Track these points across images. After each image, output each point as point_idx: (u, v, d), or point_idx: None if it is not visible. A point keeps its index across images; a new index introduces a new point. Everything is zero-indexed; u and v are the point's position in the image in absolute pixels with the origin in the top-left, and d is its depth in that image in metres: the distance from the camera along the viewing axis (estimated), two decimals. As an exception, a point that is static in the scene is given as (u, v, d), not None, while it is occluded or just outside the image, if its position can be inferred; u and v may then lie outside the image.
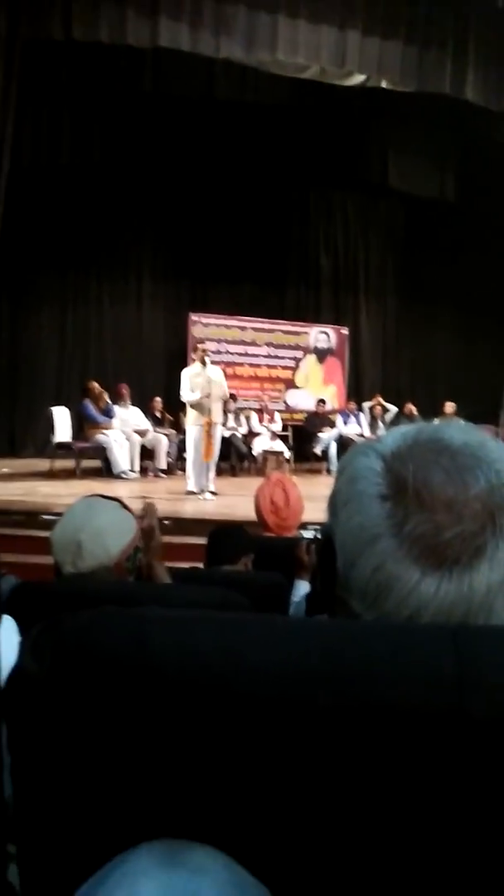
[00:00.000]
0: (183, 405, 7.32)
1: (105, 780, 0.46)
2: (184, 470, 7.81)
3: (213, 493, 6.73)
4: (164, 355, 10.64)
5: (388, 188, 10.31)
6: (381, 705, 0.44)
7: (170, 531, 5.07)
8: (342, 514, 0.60)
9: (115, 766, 0.46)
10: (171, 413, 9.75)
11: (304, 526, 3.03)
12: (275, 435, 9.39)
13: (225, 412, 8.60)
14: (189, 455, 6.92)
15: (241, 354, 10.60)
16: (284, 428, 10.07)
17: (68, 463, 7.92)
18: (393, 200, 10.97)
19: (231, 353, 10.51)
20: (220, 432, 7.07)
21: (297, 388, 10.89)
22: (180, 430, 9.13)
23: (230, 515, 5.44)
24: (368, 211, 11.25)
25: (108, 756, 0.46)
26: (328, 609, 0.60)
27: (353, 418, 9.86)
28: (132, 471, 8.10)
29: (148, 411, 9.07)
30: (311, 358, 11.02)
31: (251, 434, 9.51)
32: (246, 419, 9.68)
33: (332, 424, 9.84)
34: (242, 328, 10.57)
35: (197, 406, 6.77)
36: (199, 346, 7.15)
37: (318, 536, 2.69)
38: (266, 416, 9.65)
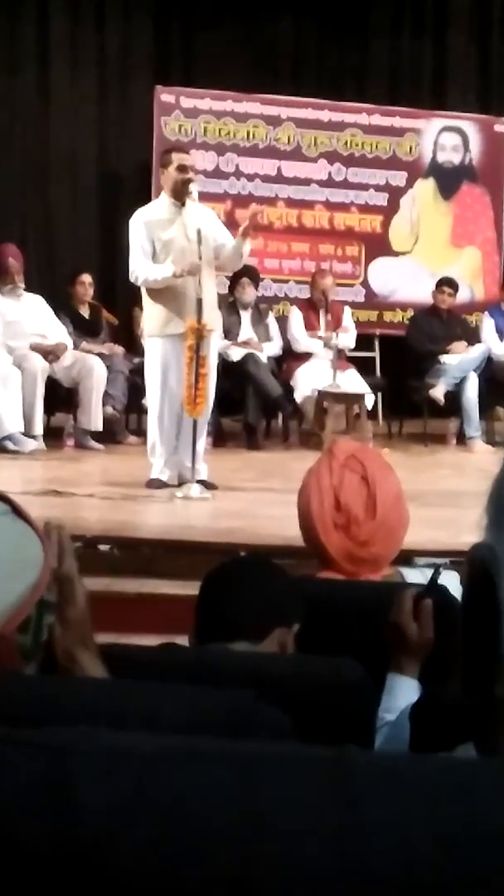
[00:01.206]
0: (137, 294, 7.31)
1: None
2: (141, 435, 7.84)
3: (205, 484, 6.81)
4: (95, 183, 10.92)
5: None
6: None
7: (117, 569, 5.18)
8: None
9: None
10: (115, 310, 9.86)
11: (406, 557, 3.07)
12: (343, 358, 9.43)
13: (231, 307, 8.62)
14: (152, 404, 6.99)
15: (267, 180, 10.68)
16: (363, 343, 10.13)
17: None
18: None
19: (245, 178, 10.60)
20: (216, 349, 7.09)
21: (391, 253, 10.93)
22: (134, 347, 9.30)
23: (248, 537, 5.50)
24: None
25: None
26: (476, 733, 0.65)
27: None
28: (29, 435, 8.24)
29: (66, 305, 9.27)
30: (426, 187, 11.05)
31: (290, 357, 9.62)
32: (279, 325, 9.77)
33: (472, 336, 9.89)
34: (270, 119, 10.64)
35: (166, 296, 6.80)
36: (174, 157, 7.12)
37: (438, 577, 2.72)
38: (323, 317, 9.68)
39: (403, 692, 2.35)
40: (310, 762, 0.58)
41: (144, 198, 9.55)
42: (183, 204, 6.76)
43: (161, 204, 6.95)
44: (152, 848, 0.58)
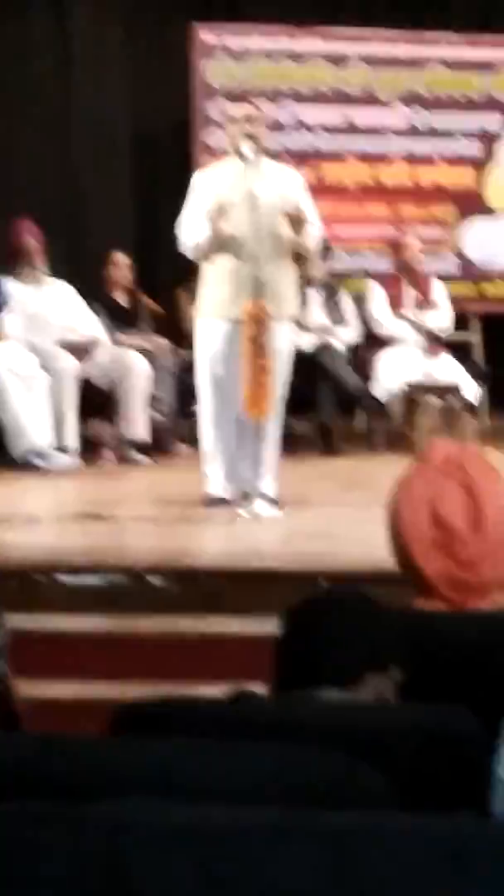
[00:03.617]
0: (185, 274, 7.27)
1: None
2: (195, 444, 7.83)
3: (273, 501, 6.80)
4: (127, 146, 10.94)
5: None
6: None
7: (173, 606, 5.19)
8: None
9: None
10: (157, 296, 9.89)
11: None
12: (436, 342, 9.39)
13: (304, 285, 8.58)
14: (205, 404, 7.00)
15: (334, 131, 10.68)
16: (460, 322, 10.11)
17: None
18: None
19: (307, 130, 10.60)
20: (288, 342, 7.09)
21: (488, 213, 10.89)
22: (181, 340, 9.28)
23: (329, 562, 5.49)
24: None
25: None
26: None
27: None
28: (60, 449, 8.30)
29: (98, 291, 9.31)
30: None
31: (371, 343, 9.60)
32: (355, 305, 9.76)
33: None
34: (334, 58, 10.62)
35: (221, 272, 6.81)
36: (229, 108, 7.13)
37: None
38: (411, 294, 9.66)
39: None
40: (417, 836, 0.58)
41: (184, 161, 9.60)
42: (243, 158, 6.74)
43: (226, 165, 6.96)
44: None
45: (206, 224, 6.67)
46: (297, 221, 6.66)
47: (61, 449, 8.26)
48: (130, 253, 9.61)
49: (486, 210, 10.84)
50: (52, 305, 8.71)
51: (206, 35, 10.35)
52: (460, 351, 9.76)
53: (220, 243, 6.67)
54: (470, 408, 9.19)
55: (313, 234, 6.87)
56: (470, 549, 2.78)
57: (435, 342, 9.28)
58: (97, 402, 8.71)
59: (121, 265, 9.43)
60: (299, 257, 7.33)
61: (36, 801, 1.20)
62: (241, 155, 6.76)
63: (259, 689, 2.49)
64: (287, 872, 0.55)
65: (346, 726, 1.91)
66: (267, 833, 0.58)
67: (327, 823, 0.62)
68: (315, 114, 10.55)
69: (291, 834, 0.58)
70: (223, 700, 2.19)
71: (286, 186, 6.84)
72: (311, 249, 6.94)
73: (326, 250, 9.48)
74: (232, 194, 6.72)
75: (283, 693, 2.34)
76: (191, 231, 6.80)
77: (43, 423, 8.20)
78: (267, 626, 2.70)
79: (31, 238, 8.81)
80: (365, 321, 9.59)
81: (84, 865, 0.60)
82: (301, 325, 8.90)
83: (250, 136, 6.78)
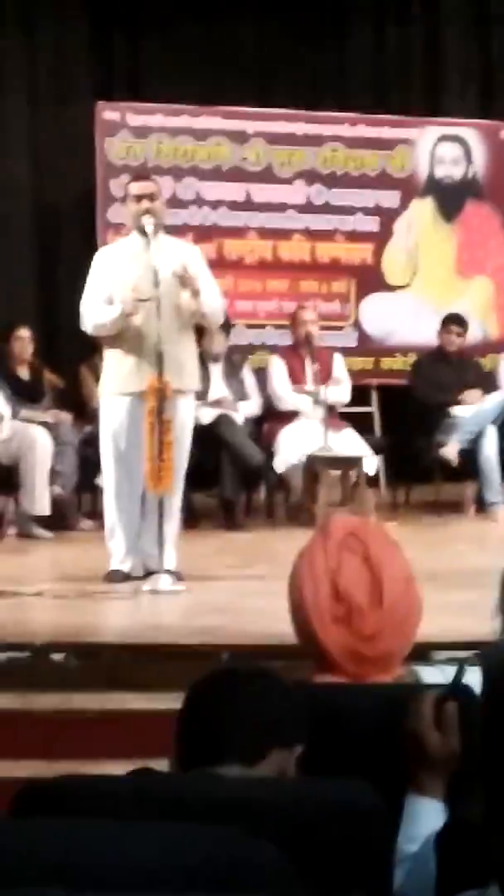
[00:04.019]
0: (88, 349, 7.28)
1: None
2: (97, 519, 7.81)
3: (175, 575, 6.78)
4: (30, 220, 10.97)
5: None
6: None
7: (74, 682, 5.14)
8: None
9: None
10: (58, 370, 9.87)
11: (422, 653, 3.06)
12: (335, 415, 9.46)
13: (203, 360, 8.63)
14: (108, 479, 6.98)
15: (234, 207, 10.74)
16: (359, 396, 10.18)
17: None
18: None
19: (207, 206, 10.65)
20: (189, 416, 7.10)
21: (386, 288, 11.01)
22: (83, 414, 9.28)
23: (231, 636, 5.47)
24: None
25: None
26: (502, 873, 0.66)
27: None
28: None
29: (0, 367, 9.36)
30: (423, 208, 11.15)
31: (271, 417, 9.64)
32: (256, 377, 9.81)
33: (487, 382, 9.94)
34: (235, 136, 10.72)
35: (125, 347, 6.81)
36: (131, 186, 7.17)
37: (463, 676, 2.70)
38: (310, 367, 9.72)
39: (426, 817, 2.35)
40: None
41: (88, 235, 9.64)
42: (146, 235, 6.78)
43: (128, 241, 6.99)
44: None
45: (113, 311, 6.70)
46: (187, 283, 6.69)
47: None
48: (32, 327, 9.57)
49: (384, 286, 10.96)
50: None
51: (110, 113, 10.41)
52: (360, 423, 9.82)
53: (134, 334, 6.71)
54: (369, 480, 9.24)
55: (211, 303, 6.90)
56: (370, 622, 2.78)
57: (334, 415, 9.33)
58: (-2, 475, 8.67)
59: (23, 339, 9.39)
60: (200, 331, 7.37)
61: None
62: (141, 231, 6.80)
63: (162, 766, 2.47)
64: None
65: (247, 802, 1.90)
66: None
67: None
68: (215, 190, 10.63)
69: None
70: (124, 778, 2.17)
71: (187, 261, 6.87)
72: (208, 315, 6.96)
73: (227, 325, 9.52)
74: (137, 271, 6.75)
75: (185, 770, 2.32)
76: (93, 312, 6.82)
77: None
78: (169, 702, 2.69)
79: None
80: (266, 395, 9.61)
81: None
82: (202, 399, 8.94)
83: (150, 213, 6.83)
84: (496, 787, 0.66)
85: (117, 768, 2.64)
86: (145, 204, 6.87)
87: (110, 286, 6.82)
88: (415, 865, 2.21)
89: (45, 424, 8.86)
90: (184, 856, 1.33)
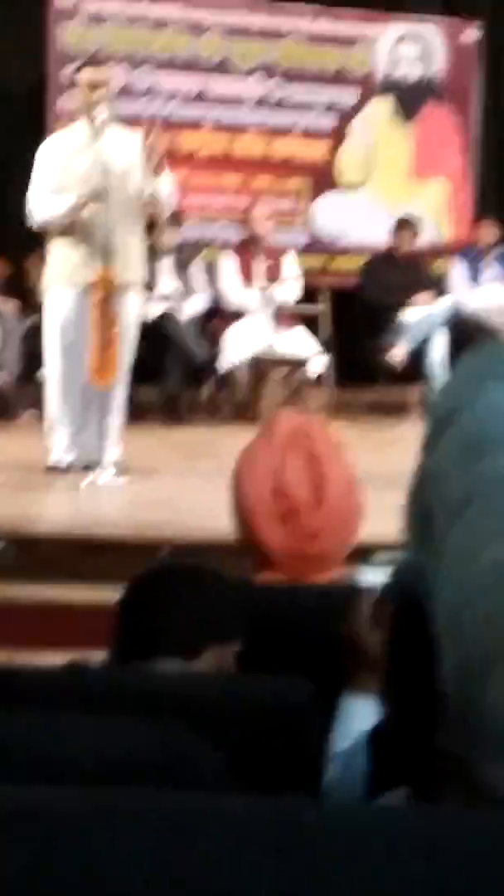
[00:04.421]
0: (36, 240, 7.22)
1: None
2: (40, 410, 7.79)
3: (117, 469, 6.78)
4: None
5: None
6: None
7: (11, 572, 5.14)
8: (465, 524, 0.67)
9: None
10: (4, 258, 9.78)
11: (363, 554, 3.06)
12: (285, 315, 9.43)
13: (148, 253, 8.56)
14: (52, 371, 6.95)
15: (189, 99, 10.66)
16: (309, 294, 10.16)
17: None
18: None
19: (162, 97, 10.56)
20: (135, 310, 7.06)
21: (340, 187, 10.96)
22: (28, 303, 9.23)
23: (171, 530, 5.48)
24: None
25: None
26: (421, 778, 0.64)
27: (492, 268, 9.96)
28: None
29: None
30: (381, 107, 11.08)
31: (219, 313, 9.63)
32: (206, 273, 9.77)
33: (438, 286, 9.96)
34: (191, 27, 10.59)
35: (73, 239, 6.75)
36: (84, 72, 7.07)
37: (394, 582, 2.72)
38: (261, 263, 9.68)
39: (361, 715, 2.36)
40: (246, 817, 0.56)
41: (36, 126, 9.50)
42: (95, 126, 6.70)
43: (75, 130, 6.89)
44: None
45: (63, 203, 6.62)
46: (150, 156, 6.60)
47: None
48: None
49: (338, 185, 10.91)
50: None
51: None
52: (308, 323, 9.81)
53: (80, 225, 6.64)
54: (316, 380, 9.26)
55: (163, 189, 6.81)
56: (311, 521, 2.78)
57: (284, 314, 9.31)
58: None
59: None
60: (151, 224, 7.30)
61: None
62: (91, 120, 6.71)
63: (98, 658, 2.47)
64: (108, 856, 0.53)
65: (182, 697, 1.90)
66: (88, 815, 0.56)
67: (151, 803, 0.60)
68: (170, 81, 10.50)
69: (113, 815, 0.56)
70: (57, 669, 2.16)
71: (135, 150, 6.77)
72: (160, 201, 6.87)
73: (177, 218, 9.45)
74: (87, 161, 6.67)
75: (122, 663, 2.33)
76: (42, 204, 6.74)
77: None
78: (108, 594, 2.68)
79: None
80: (215, 291, 9.58)
81: None
82: (150, 293, 8.87)
83: (101, 102, 6.74)
84: (401, 695, 0.65)
85: (53, 659, 2.64)
86: (98, 93, 6.78)
87: (58, 177, 6.74)
88: (346, 763, 2.23)
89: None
90: (117, 749, 1.32)
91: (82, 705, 1.81)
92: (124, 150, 6.71)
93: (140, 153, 6.68)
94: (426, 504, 0.73)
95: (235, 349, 9.17)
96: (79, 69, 7.09)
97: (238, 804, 0.61)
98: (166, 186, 6.83)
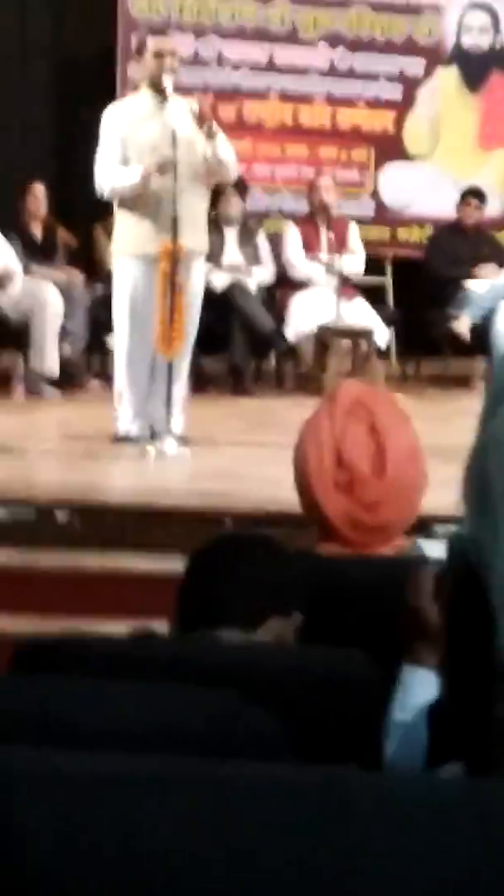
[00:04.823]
0: (103, 209, 7.23)
1: None
2: (106, 380, 7.81)
3: (181, 439, 6.79)
4: (48, 76, 10.82)
5: None
6: None
7: (77, 541, 5.17)
8: None
9: None
10: (72, 229, 9.81)
11: (425, 526, 3.07)
12: (348, 285, 9.42)
13: (213, 224, 8.57)
14: (120, 341, 6.96)
15: (256, 68, 10.62)
16: (373, 267, 10.12)
17: None
18: None
19: (229, 66, 10.53)
20: (200, 279, 7.06)
21: (406, 157, 10.91)
22: (96, 271, 9.24)
23: (235, 501, 5.50)
24: None
25: None
26: (479, 751, 0.67)
27: None
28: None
29: (12, 222, 9.19)
30: (448, 77, 10.99)
31: (284, 284, 9.60)
32: (271, 244, 9.75)
33: (503, 258, 9.88)
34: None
35: (140, 209, 6.76)
36: (150, 42, 7.05)
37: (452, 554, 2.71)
38: (325, 236, 9.65)
39: (421, 688, 2.36)
40: (298, 790, 0.57)
41: (107, 93, 9.50)
42: (165, 99, 6.69)
43: (140, 99, 6.88)
44: (105, 889, 0.58)
45: (132, 175, 6.62)
46: (204, 120, 6.63)
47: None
48: (47, 184, 9.50)
49: (404, 155, 10.83)
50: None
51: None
52: (373, 294, 9.78)
53: (146, 196, 6.64)
54: (380, 352, 9.23)
55: (227, 154, 6.81)
56: (372, 491, 2.78)
57: (348, 285, 9.28)
58: (8, 334, 8.64)
59: (37, 195, 9.33)
60: (216, 194, 7.29)
61: None
62: (158, 89, 6.70)
63: (162, 627, 2.49)
64: (165, 823, 0.55)
65: (244, 667, 1.91)
66: (147, 781, 0.58)
67: (208, 773, 0.61)
68: (237, 50, 10.46)
69: (172, 785, 0.58)
70: (123, 638, 2.19)
71: (188, 119, 6.74)
72: (224, 164, 6.83)
73: (243, 188, 9.43)
74: (153, 131, 6.67)
75: (185, 633, 2.34)
76: (110, 175, 6.73)
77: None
78: (171, 564, 2.70)
79: None
80: (280, 262, 9.56)
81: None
82: (215, 264, 8.87)
83: (168, 71, 6.72)
84: (458, 667, 0.66)
85: (118, 627, 2.67)
86: (164, 62, 6.76)
87: (125, 146, 6.73)
88: (406, 735, 2.23)
89: (56, 283, 8.81)
90: (179, 717, 1.34)
91: (147, 673, 1.83)
92: (188, 119, 6.71)
93: (194, 120, 6.69)
94: (483, 476, 0.73)
95: (301, 320, 9.16)
96: (146, 37, 7.09)
97: (297, 774, 0.63)
98: (227, 152, 6.81)
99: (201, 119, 6.62)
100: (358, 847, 0.58)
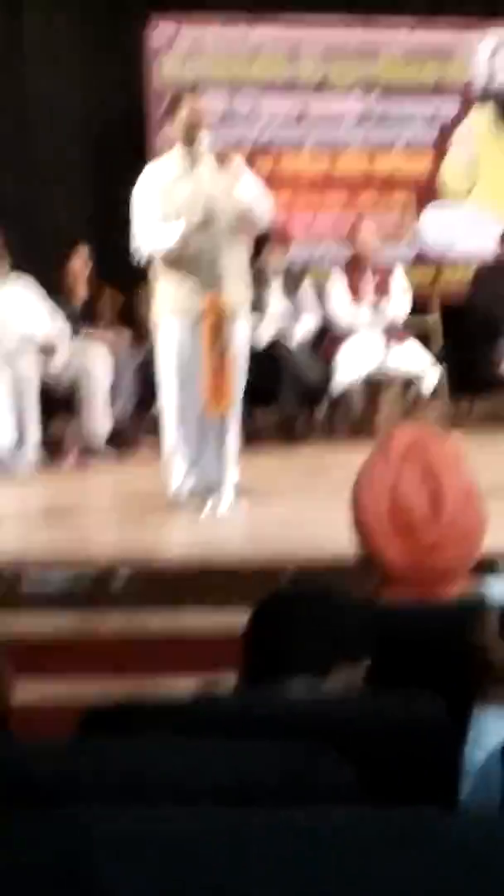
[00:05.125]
0: (144, 270, 7.27)
1: None
2: (156, 437, 7.83)
3: (236, 493, 6.79)
4: (84, 136, 10.91)
5: None
6: None
7: (138, 601, 5.17)
8: None
9: None
10: (116, 287, 9.88)
11: (488, 565, 3.05)
12: (396, 329, 9.42)
13: (257, 277, 8.59)
14: (168, 400, 6.98)
15: (292, 120, 10.67)
16: (419, 308, 10.14)
17: None
18: None
19: (265, 120, 10.60)
20: (245, 333, 7.08)
21: (445, 198, 10.94)
22: (141, 335, 9.27)
23: (294, 552, 5.50)
24: None
25: None
26: None
27: None
28: (21, 449, 8.27)
29: (59, 285, 9.27)
30: (482, 116, 11.04)
31: (329, 337, 9.63)
32: (316, 294, 9.77)
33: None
34: (289, 48, 10.62)
35: (180, 267, 6.78)
36: (184, 101, 7.12)
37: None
38: (369, 280, 9.67)
39: (494, 727, 2.35)
40: (383, 830, 0.57)
41: (141, 156, 9.58)
42: (200, 155, 6.73)
43: (173, 158, 6.92)
44: None
45: (172, 234, 6.65)
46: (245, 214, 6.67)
47: (23, 449, 8.21)
48: (88, 245, 9.57)
49: (442, 196, 10.86)
50: (12, 304, 8.64)
51: (163, 26, 10.31)
52: (420, 336, 9.78)
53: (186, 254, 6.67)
54: (432, 393, 9.22)
55: (261, 203, 6.79)
56: (429, 534, 2.77)
57: (395, 329, 9.29)
58: (58, 398, 8.67)
59: (81, 259, 9.41)
60: (259, 246, 7.31)
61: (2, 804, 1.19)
62: (190, 148, 6.75)
63: (228, 682, 2.48)
64: (248, 874, 0.55)
65: (313, 717, 1.91)
66: (226, 833, 0.58)
67: (287, 821, 0.61)
68: (270, 104, 10.53)
69: (252, 835, 0.57)
70: (190, 697, 2.19)
71: (231, 173, 6.79)
72: (258, 214, 6.79)
73: (284, 240, 9.47)
74: (189, 189, 6.71)
75: (252, 685, 2.34)
76: (149, 235, 6.76)
77: (5, 422, 8.15)
78: (234, 617, 2.69)
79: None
80: (324, 311, 9.58)
81: (56, 865, 0.59)
82: (259, 316, 8.90)
83: (200, 129, 6.77)
84: None
85: (185, 685, 2.66)
86: (197, 120, 6.81)
87: (161, 206, 6.76)
88: (481, 776, 2.21)
89: (104, 343, 8.85)
90: (251, 771, 1.33)
91: (215, 730, 1.82)
92: (221, 175, 6.74)
93: (241, 175, 6.72)
94: None
95: (348, 368, 9.16)
96: (178, 98, 7.13)
97: (374, 817, 0.62)
98: (257, 193, 6.82)
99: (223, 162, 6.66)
100: (438, 889, 0.57)
